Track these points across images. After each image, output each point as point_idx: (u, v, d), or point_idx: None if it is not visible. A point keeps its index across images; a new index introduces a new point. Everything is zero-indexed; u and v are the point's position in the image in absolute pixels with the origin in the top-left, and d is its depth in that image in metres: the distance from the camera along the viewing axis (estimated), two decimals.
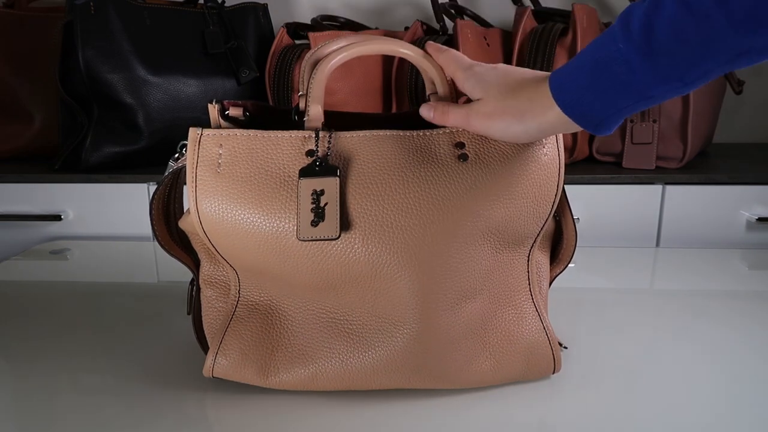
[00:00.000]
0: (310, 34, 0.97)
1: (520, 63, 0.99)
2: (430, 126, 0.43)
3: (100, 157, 0.95)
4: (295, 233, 0.40)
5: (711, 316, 0.57)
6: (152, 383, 0.46)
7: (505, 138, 0.41)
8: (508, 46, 1.05)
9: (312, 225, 0.39)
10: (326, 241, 0.40)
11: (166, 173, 0.46)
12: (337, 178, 0.40)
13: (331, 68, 0.42)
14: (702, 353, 0.50)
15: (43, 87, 1.07)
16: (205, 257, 0.46)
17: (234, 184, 0.41)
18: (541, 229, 0.44)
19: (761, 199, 0.89)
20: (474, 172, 0.41)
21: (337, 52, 0.42)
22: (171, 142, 0.98)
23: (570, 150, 0.99)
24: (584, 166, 0.98)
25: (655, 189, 0.90)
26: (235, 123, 0.45)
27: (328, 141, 0.41)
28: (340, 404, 0.43)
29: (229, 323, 0.44)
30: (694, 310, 0.58)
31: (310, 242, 0.40)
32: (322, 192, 0.40)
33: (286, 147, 0.41)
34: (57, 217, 0.92)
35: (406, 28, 1.14)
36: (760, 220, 0.88)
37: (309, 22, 1.13)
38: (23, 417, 0.41)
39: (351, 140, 0.42)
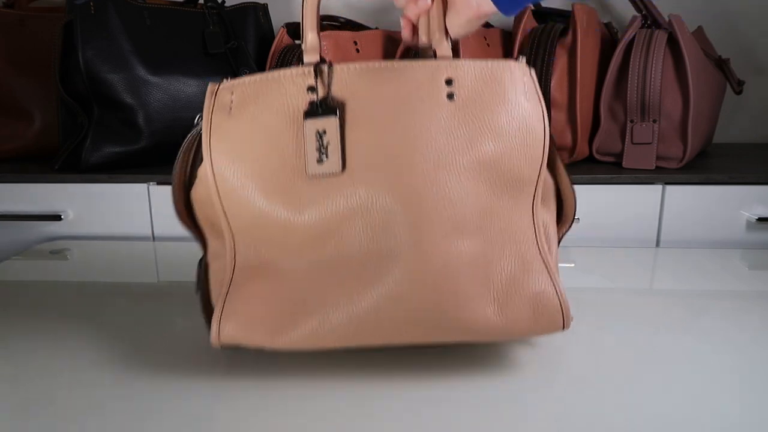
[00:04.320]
0: None
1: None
2: None
3: (100, 157, 0.95)
4: (301, 170, 0.43)
5: (711, 316, 0.57)
6: (152, 383, 0.46)
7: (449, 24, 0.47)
8: (508, 46, 1.05)
9: (318, 162, 0.43)
10: (331, 177, 0.43)
11: (185, 142, 0.48)
12: (336, 119, 0.43)
13: None
14: (702, 353, 0.50)
15: (43, 87, 1.07)
16: (210, 233, 0.48)
17: (244, 124, 0.44)
18: (539, 176, 0.45)
19: (761, 199, 0.89)
20: (461, 109, 0.43)
21: None
22: (171, 142, 0.99)
23: (570, 150, 0.99)
24: (584, 166, 0.98)
25: (655, 189, 0.90)
26: None
27: (327, 77, 0.44)
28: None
29: (228, 289, 0.45)
30: (694, 310, 0.58)
31: (314, 180, 0.43)
32: (324, 132, 0.43)
33: (289, 85, 0.44)
34: (57, 217, 0.92)
35: None
36: (760, 220, 0.88)
37: None
38: (23, 417, 0.42)
39: (348, 73, 0.44)
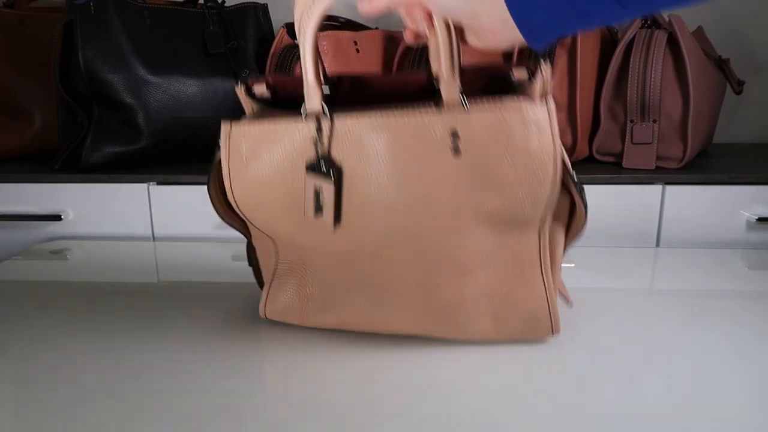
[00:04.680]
0: None
1: (520, 63, 0.99)
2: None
3: (100, 157, 0.95)
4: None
5: (711, 316, 0.57)
6: (152, 383, 0.46)
7: (446, 10, 0.42)
8: None
9: (314, 213, 0.45)
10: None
11: (215, 157, 0.51)
12: (332, 186, 0.44)
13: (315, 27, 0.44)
14: (702, 353, 0.50)
15: (43, 87, 1.07)
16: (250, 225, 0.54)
17: (259, 171, 0.47)
18: (546, 212, 0.45)
19: (761, 199, 0.89)
20: (466, 166, 0.42)
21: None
22: (171, 142, 0.99)
23: (570, 150, 0.99)
24: (584, 166, 0.98)
25: (655, 189, 0.90)
26: (262, 100, 0.50)
27: (329, 134, 0.44)
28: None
29: (272, 278, 0.53)
30: (694, 310, 0.58)
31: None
32: (321, 189, 0.45)
33: (296, 136, 0.45)
34: (57, 217, 0.92)
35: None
36: (760, 220, 0.88)
37: None
38: (23, 416, 0.41)
39: (351, 126, 0.44)
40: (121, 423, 0.41)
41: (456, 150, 0.42)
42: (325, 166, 0.44)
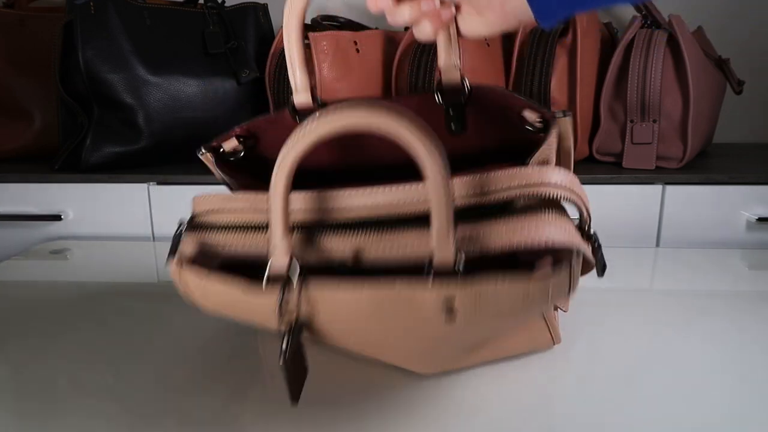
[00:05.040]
0: (310, 34, 0.97)
1: (520, 63, 0.99)
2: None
3: (100, 157, 0.95)
4: None
5: (711, 316, 0.57)
6: (152, 383, 0.46)
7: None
8: (508, 46, 1.05)
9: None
10: None
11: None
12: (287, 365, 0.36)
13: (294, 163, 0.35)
14: (702, 353, 0.50)
15: (43, 87, 1.07)
16: None
17: (220, 305, 0.41)
18: None
19: (761, 199, 0.89)
20: (461, 326, 0.35)
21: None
22: (171, 142, 0.99)
23: None
24: (584, 166, 0.98)
25: (655, 189, 0.90)
26: (235, 158, 0.44)
27: (296, 305, 0.36)
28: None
29: None
30: (694, 310, 0.58)
31: None
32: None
33: (254, 307, 0.38)
34: (57, 217, 0.92)
35: (406, 29, 1.14)
36: (760, 220, 0.88)
37: (309, 22, 1.13)
38: (23, 417, 0.41)
39: (325, 296, 0.35)
40: (121, 423, 0.41)
41: (449, 312, 0.34)
42: (286, 340, 0.36)
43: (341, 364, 0.48)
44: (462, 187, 0.35)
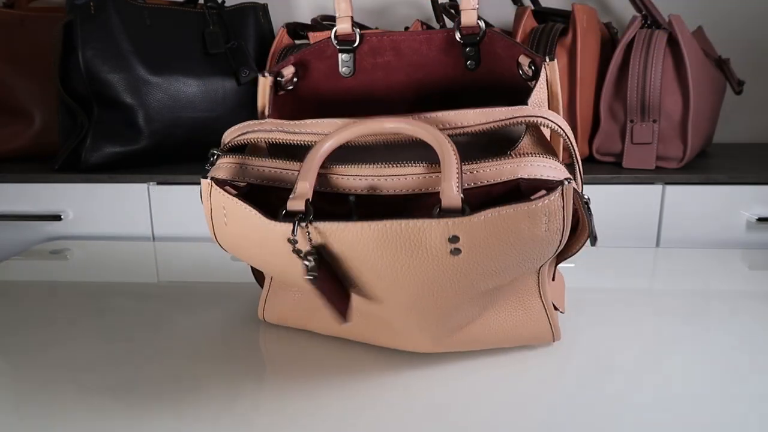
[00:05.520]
0: (310, 34, 0.97)
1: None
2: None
3: (100, 157, 0.95)
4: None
5: (711, 316, 0.57)
6: (153, 383, 0.46)
7: None
8: None
9: (307, 276, 0.41)
10: None
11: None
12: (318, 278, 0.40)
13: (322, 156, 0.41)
14: (702, 353, 0.50)
15: (43, 87, 1.07)
16: None
17: (239, 236, 0.44)
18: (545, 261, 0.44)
19: (761, 199, 0.89)
20: (465, 263, 0.38)
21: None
22: (171, 142, 0.99)
23: None
24: (584, 166, 0.98)
25: (655, 189, 0.90)
26: (289, 86, 0.50)
27: (307, 236, 0.39)
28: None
29: (267, 293, 0.53)
30: (694, 310, 0.58)
31: None
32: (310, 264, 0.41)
33: (270, 234, 0.41)
34: (57, 217, 0.93)
35: (406, 28, 1.14)
36: (760, 220, 0.88)
37: (309, 22, 1.13)
38: (23, 417, 0.42)
39: (335, 234, 0.38)
40: (121, 423, 0.41)
41: (455, 252, 0.37)
42: (307, 260, 0.40)
43: (340, 357, 0.48)
44: (477, 116, 0.40)
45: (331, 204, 0.43)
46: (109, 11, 0.94)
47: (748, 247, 0.91)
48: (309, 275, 0.39)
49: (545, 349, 0.50)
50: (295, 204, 0.40)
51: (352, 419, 0.41)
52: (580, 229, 0.46)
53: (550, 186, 0.38)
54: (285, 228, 0.39)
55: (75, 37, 0.92)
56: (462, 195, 0.37)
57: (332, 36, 0.52)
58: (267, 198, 0.45)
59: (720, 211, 0.90)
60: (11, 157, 1.08)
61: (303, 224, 0.39)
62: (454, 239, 0.37)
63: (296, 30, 1.08)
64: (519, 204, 0.36)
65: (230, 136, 0.46)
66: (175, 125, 0.99)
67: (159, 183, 0.92)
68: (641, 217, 0.90)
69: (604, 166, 0.98)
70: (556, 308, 0.50)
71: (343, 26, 0.51)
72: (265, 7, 1.13)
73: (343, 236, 0.38)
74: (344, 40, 0.52)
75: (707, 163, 1.01)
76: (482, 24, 0.49)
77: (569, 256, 0.48)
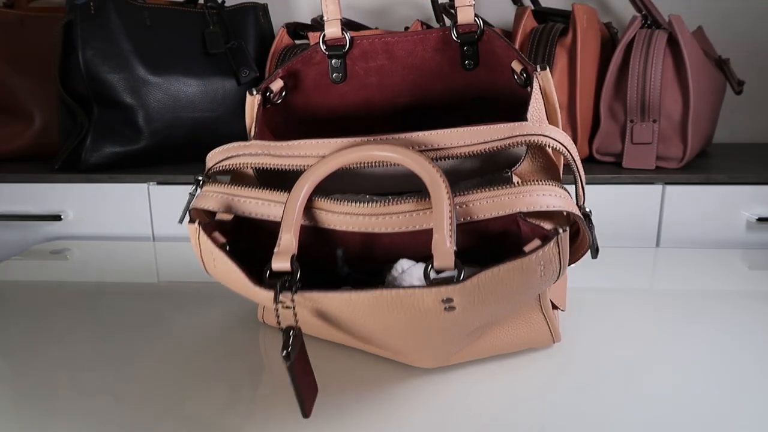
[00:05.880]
0: (310, 34, 0.97)
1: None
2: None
3: (100, 157, 0.95)
4: None
5: (711, 316, 0.57)
6: (152, 383, 0.46)
7: None
8: None
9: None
10: None
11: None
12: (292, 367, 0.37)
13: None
14: (702, 353, 0.50)
15: (43, 87, 1.07)
16: None
17: (228, 280, 0.41)
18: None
19: (761, 199, 0.89)
20: (460, 316, 0.36)
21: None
22: (171, 142, 0.99)
23: None
24: (584, 166, 0.98)
25: (655, 189, 0.90)
26: (278, 99, 0.48)
27: (292, 304, 0.37)
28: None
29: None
30: (694, 310, 0.58)
31: None
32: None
33: (254, 293, 0.38)
34: (57, 217, 0.93)
35: (406, 28, 1.14)
36: (760, 220, 0.88)
37: (309, 22, 1.13)
38: (23, 417, 0.42)
39: (323, 300, 0.36)
40: (120, 423, 0.41)
41: (450, 309, 0.35)
42: (286, 335, 0.37)
43: (340, 361, 0.48)
44: (473, 135, 0.38)
45: (317, 236, 0.41)
46: (109, 11, 0.94)
47: (748, 247, 0.91)
48: (284, 357, 0.36)
49: (545, 350, 0.50)
50: (280, 261, 0.37)
51: (352, 420, 0.41)
52: (579, 240, 0.45)
53: (545, 234, 0.36)
54: (270, 294, 0.37)
55: (75, 37, 0.92)
56: (455, 248, 0.35)
57: (320, 41, 0.49)
58: (255, 230, 0.43)
59: (720, 211, 0.90)
60: (11, 157, 1.08)
61: (288, 292, 0.36)
62: (448, 300, 0.35)
63: (296, 30, 1.08)
64: (513, 262, 0.34)
65: (214, 159, 0.44)
66: (175, 125, 0.99)
67: (159, 183, 0.92)
68: (641, 217, 0.90)
69: (604, 166, 0.98)
70: (556, 307, 0.50)
71: (332, 30, 0.49)
72: (265, 7, 1.13)
73: (331, 303, 0.36)
74: (333, 45, 0.49)
75: (707, 163, 1.01)
76: (480, 21, 0.48)
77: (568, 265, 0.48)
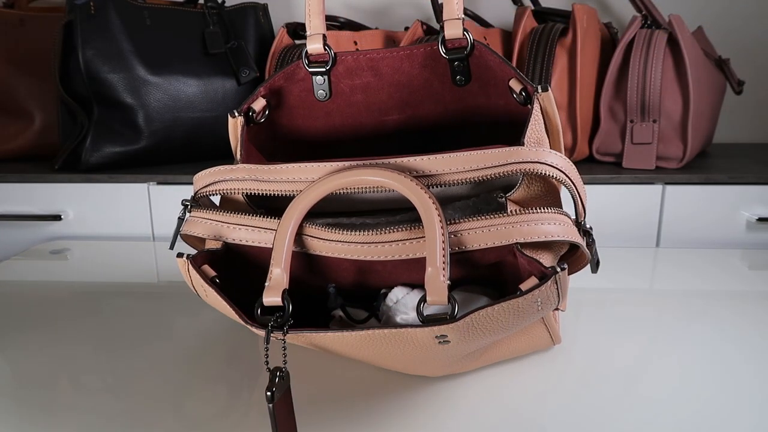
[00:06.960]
0: None
1: (520, 63, 0.99)
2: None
3: (100, 157, 0.95)
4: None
5: (711, 316, 0.57)
6: (152, 383, 0.46)
7: None
8: (508, 47, 1.05)
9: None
10: None
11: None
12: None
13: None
14: (702, 353, 0.50)
15: (43, 87, 1.07)
16: None
17: (221, 309, 0.41)
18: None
19: (761, 199, 0.89)
20: (455, 347, 0.36)
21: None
22: (171, 142, 0.99)
23: (570, 150, 0.99)
24: (584, 166, 0.98)
25: (655, 189, 0.90)
26: (261, 118, 0.46)
27: (283, 343, 0.36)
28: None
29: None
30: (694, 310, 0.58)
31: None
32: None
33: (245, 326, 0.38)
34: (57, 217, 0.93)
35: (406, 28, 1.14)
36: (760, 220, 0.88)
37: None
38: (23, 417, 0.42)
39: (314, 338, 0.36)
40: (120, 423, 0.41)
41: (444, 342, 0.34)
42: (272, 375, 0.36)
43: (340, 365, 0.48)
44: (465, 161, 0.36)
45: (310, 263, 0.41)
46: (109, 11, 0.94)
47: (748, 247, 0.91)
48: (268, 397, 0.34)
49: (546, 351, 0.50)
50: (272, 296, 0.36)
51: (352, 422, 0.41)
52: (579, 253, 0.44)
53: (543, 271, 0.34)
54: (261, 331, 0.36)
55: (75, 37, 0.92)
56: (449, 282, 0.33)
57: (303, 57, 0.47)
58: (247, 255, 0.42)
59: (720, 211, 0.90)
60: (11, 157, 1.08)
61: (278, 332, 0.35)
62: (442, 336, 0.34)
63: (296, 30, 1.08)
64: (508, 302, 0.33)
65: (201, 182, 0.43)
66: (175, 125, 0.99)
67: (159, 183, 0.92)
68: (641, 217, 0.90)
69: (604, 166, 0.98)
70: (556, 307, 0.50)
71: (314, 46, 0.46)
72: (265, 7, 1.13)
73: (323, 340, 0.36)
74: (316, 61, 0.47)
75: (707, 163, 1.01)
76: (469, 36, 0.44)
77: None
